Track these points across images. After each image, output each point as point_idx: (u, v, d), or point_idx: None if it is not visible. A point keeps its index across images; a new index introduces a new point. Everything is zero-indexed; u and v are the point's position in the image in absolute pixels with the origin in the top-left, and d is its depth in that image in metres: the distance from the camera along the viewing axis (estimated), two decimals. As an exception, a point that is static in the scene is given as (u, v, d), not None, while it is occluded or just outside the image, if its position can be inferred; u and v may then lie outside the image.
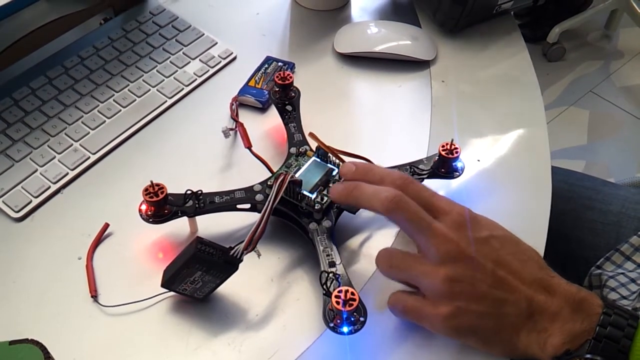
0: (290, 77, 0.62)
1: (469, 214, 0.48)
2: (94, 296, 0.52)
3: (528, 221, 0.60)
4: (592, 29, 2.05)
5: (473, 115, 0.69)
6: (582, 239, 0.75)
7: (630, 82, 1.92)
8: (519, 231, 0.59)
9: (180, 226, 0.56)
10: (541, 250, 0.57)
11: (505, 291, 0.45)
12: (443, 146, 0.57)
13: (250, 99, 0.67)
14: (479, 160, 0.64)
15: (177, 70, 0.69)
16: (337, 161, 0.56)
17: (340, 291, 0.46)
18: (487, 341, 0.46)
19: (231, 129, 0.64)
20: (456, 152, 0.57)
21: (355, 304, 0.46)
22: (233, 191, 0.55)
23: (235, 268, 0.50)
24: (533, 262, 0.47)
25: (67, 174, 0.60)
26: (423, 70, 0.73)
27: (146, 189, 0.52)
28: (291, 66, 0.71)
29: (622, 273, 0.66)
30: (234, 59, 0.72)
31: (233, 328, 0.52)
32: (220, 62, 0.71)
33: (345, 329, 0.47)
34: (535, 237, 0.58)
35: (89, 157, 0.62)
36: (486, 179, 0.63)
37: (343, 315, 0.46)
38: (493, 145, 0.66)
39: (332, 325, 0.47)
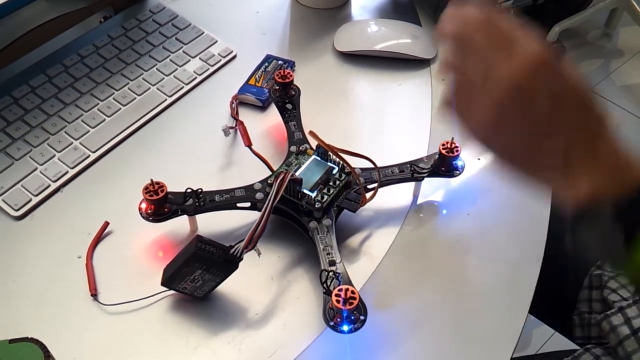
0: (291, 76, 0.62)
1: (546, 63, 0.43)
2: (94, 295, 0.52)
3: (528, 220, 0.60)
4: (592, 27, 2.05)
5: (473, 114, 0.69)
6: None
7: (631, 81, 1.91)
8: (519, 229, 0.60)
9: (180, 225, 0.56)
10: (541, 250, 0.57)
11: (552, 134, 0.43)
12: (443, 145, 0.57)
13: (251, 97, 0.67)
14: (479, 159, 0.64)
15: (177, 69, 0.69)
16: (337, 160, 0.56)
17: (340, 290, 0.46)
18: (512, 164, 0.45)
19: (231, 128, 0.63)
20: (456, 151, 0.57)
21: (355, 302, 0.46)
22: (233, 190, 0.55)
23: (235, 267, 0.50)
24: (593, 121, 0.44)
25: (66, 172, 0.60)
26: (423, 68, 0.73)
27: (146, 188, 0.52)
28: (291, 64, 0.71)
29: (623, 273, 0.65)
30: (234, 57, 0.72)
31: (233, 327, 0.51)
32: (220, 60, 0.71)
33: (345, 328, 0.47)
34: (535, 236, 0.58)
35: (88, 156, 0.62)
36: (487, 177, 0.63)
37: (343, 314, 0.46)
38: (493, 144, 0.66)
39: (332, 324, 0.47)
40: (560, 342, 0.74)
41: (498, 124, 0.43)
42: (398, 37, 0.74)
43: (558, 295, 0.72)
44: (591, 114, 0.44)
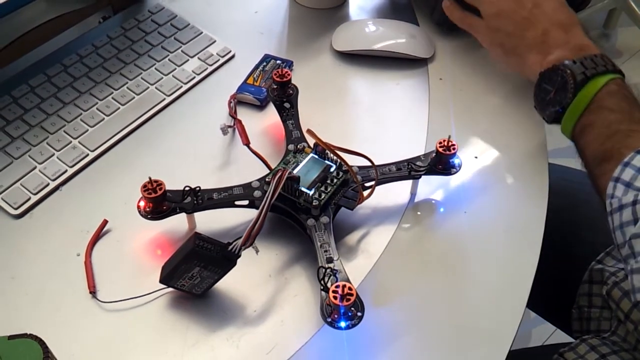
0: (289, 75, 0.63)
1: None
2: (93, 292, 0.53)
3: (525, 218, 0.60)
4: (590, 28, 2.05)
5: (470, 113, 0.69)
6: (579, 235, 0.76)
7: (629, 81, 1.91)
8: (517, 228, 0.60)
9: (178, 223, 0.56)
10: (538, 247, 0.58)
11: (532, 22, 0.61)
12: (440, 143, 0.57)
13: (249, 96, 0.67)
14: (476, 157, 0.64)
15: (175, 68, 0.70)
16: (335, 158, 0.56)
17: (337, 286, 0.46)
18: (508, 53, 0.64)
19: (229, 126, 0.64)
20: (453, 149, 0.57)
21: (352, 299, 0.46)
22: (231, 187, 0.56)
23: (233, 264, 0.50)
24: (566, 15, 0.61)
25: (65, 171, 0.60)
26: (421, 68, 0.73)
27: (144, 186, 0.52)
28: (289, 64, 0.71)
29: (623, 269, 0.66)
30: (232, 57, 0.73)
31: (231, 324, 0.52)
32: (218, 60, 0.71)
33: (342, 324, 0.47)
34: (533, 233, 0.59)
35: (87, 155, 0.62)
36: (483, 176, 0.63)
37: (340, 310, 0.46)
38: (490, 142, 0.67)
39: (329, 320, 0.47)
40: (560, 341, 0.74)
41: (497, 20, 0.63)
42: (395, 37, 0.74)
43: (556, 288, 0.72)
44: (564, 10, 0.61)
